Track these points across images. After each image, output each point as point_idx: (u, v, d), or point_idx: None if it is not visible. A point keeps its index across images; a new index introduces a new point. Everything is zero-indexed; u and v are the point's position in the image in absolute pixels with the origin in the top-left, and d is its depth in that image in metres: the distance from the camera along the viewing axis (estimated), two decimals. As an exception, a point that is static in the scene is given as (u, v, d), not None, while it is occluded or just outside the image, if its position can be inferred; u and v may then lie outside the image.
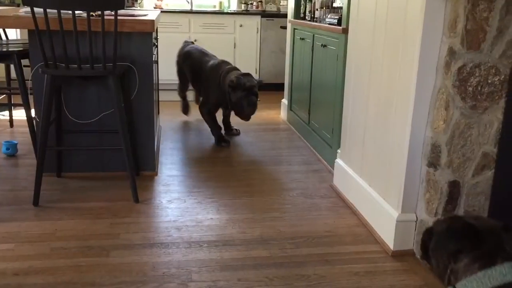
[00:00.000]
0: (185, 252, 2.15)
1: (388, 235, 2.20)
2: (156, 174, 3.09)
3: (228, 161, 3.44)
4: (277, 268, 2.03)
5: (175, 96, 4.72)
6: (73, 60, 2.48)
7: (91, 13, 2.58)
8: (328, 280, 1.94)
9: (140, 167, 3.04)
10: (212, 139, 3.94)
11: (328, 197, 2.81)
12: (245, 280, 1.93)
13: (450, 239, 1.08)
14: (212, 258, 2.10)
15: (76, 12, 2.40)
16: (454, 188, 1.98)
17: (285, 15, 4.99)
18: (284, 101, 4.72)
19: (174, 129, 4.26)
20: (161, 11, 5.12)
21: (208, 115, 3.89)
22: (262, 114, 4.85)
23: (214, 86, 3.79)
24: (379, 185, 2.36)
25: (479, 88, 1.88)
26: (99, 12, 2.37)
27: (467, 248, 1.03)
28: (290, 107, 4.51)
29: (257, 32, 5.87)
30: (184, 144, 3.82)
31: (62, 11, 2.35)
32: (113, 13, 2.44)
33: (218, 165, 3.34)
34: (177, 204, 2.67)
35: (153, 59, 2.98)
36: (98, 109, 2.92)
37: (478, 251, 1.02)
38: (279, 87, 5.13)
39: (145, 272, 1.97)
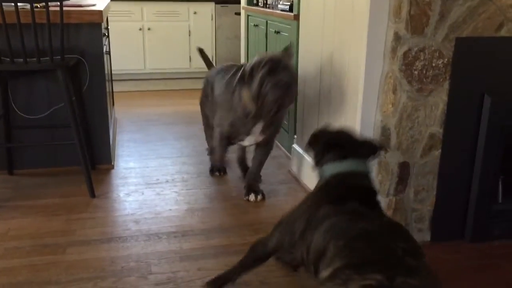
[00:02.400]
0: (144, 244, 2.14)
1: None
2: (113, 167, 3.05)
3: (187, 151, 3.43)
4: (238, 256, 2.03)
5: (130, 87, 4.64)
6: (18, 54, 2.40)
7: (35, 4, 2.49)
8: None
9: (95, 161, 2.99)
10: (173, 130, 3.91)
11: (286, 183, 2.85)
12: (205, 270, 1.95)
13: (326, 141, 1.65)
14: (172, 249, 2.11)
15: (20, 4, 2.31)
16: (404, 169, 2.05)
17: (239, 1, 4.97)
18: (241, 88, 4.72)
19: (131, 120, 4.20)
20: (112, 0, 5.00)
21: (220, 135, 2.61)
22: (219, 102, 4.83)
23: (226, 96, 2.54)
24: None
25: (424, 72, 1.94)
26: (44, 4, 2.30)
27: (333, 148, 1.60)
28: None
29: (212, 19, 5.82)
30: (142, 135, 3.77)
31: (4, 3, 2.26)
32: (59, 4, 2.37)
33: (176, 156, 3.32)
34: (135, 197, 2.64)
35: (104, 50, 2.92)
36: (48, 103, 2.84)
37: (340, 150, 1.58)
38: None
39: (103, 267, 1.95)
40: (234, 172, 3.03)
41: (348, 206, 1.42)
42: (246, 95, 2.32)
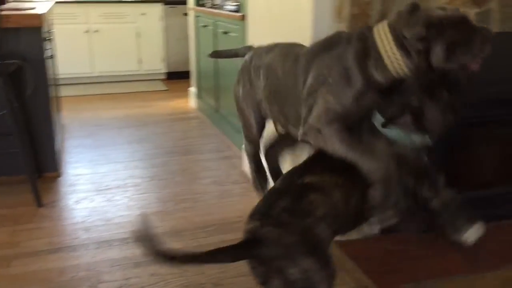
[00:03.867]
0: (95, 253, 2.09)
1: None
2: (60, 175, 2.96)
3: (139, 155, 3.37)
4: (190, 259, 2.04)
5: (78, 91, 4.52)
6: (-47, 61, 2.29)
7: (-30, 8, 2.38)
8: (240, 265, 1.98)
9: (41, 169, 2.89)
10: (124, 134, 3.83)
11: (240, 183, 2.86)
12: (158, 275, 1.93)
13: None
14: (124, 256, 2.07)
15: (-48, 8, 2.21)
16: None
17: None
18: (193, 89, 4.69)
19: (80, 125, 4.09)
20: (56, 2, 4.85)
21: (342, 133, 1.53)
22: (170, 104, 4.79)
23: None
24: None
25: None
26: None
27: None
28: (199, 95, 4.49)
29: (161, 20, 5.75)
30: (92, 140, 3.68)
31: None
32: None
33: (127, 160, 3.26)
34: (85, 204, 2.58)
35: (47, 54, 2.83)
36: (-11, 111, 2.73)
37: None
38: (188, 75, 5.08)
39: (51, 279, 1.89)
40: (186, 176, 3.01)
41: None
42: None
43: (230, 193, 2.72)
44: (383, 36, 1.47)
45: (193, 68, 4.59)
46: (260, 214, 1.39)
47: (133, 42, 5.67)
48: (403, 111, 1.52)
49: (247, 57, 1.98)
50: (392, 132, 1.54)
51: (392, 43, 1.45)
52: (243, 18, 2.99)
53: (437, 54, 1.41)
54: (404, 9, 1.45)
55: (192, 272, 1.93)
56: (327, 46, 1.60)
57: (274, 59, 1.80)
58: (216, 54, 2.51)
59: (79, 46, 5.46)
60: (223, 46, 3.55)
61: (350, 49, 1.51)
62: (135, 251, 2.10)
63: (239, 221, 2.37)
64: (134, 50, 5.70)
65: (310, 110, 1.56)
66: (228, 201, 2.62)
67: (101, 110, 4.53)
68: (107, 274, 1.93)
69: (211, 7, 4.01)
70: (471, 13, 2.09)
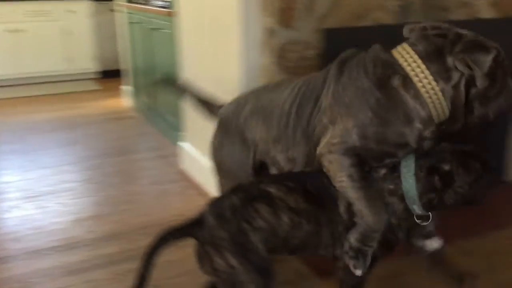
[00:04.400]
0: (26, 264, 2.00)
1: (234, 210, 2.29)
2: (-14, 184, 2.80)
3: (70, 158, 3.24)
4: (129, 263, 1.99)
5: (3, 94, 4.26)
6: None
7: None
8: (177, 265, 1.97)
9: (-35, 179, 2.72)
10: (54, 137, 3.67)
11: (178, 182, 2.82)
12: (93, 281, 1.87)
13: None
14: (57, 264, 1.99)
15: None
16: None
17: (116, -2, 4.80)
18: (127, 87, 4.57)
19: (6, 130, 3.87)
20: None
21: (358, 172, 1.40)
22: (104, 103, 4.64)
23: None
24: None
25: (297, 63, 2.02)
26: None
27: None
28: (134, 93, 4.39)
29: (90, 17, 5.55)
30: (20, 145, 3.50)
31: None
32: None
33: (59, 165, 3.13)
34: (14, 213, 2.45)
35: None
36: None
37: None
38: (119, 73, 4.94)
39: (-22, 295, 1.79)
40: (122, 178, 2.93)
41: None
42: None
43: (168, 193, 2.68)
44: (410, 61, 1.34)
45: (127, 66, 4.48)
46: (214, 201, 1.48)
47: (60, 40, 5.43)
48: (433, 170, 1.36)
49: (227, 110, 1.77)
50: (408, 184, 1.38)
51: (427, 72, 1.32)
52: (174, 14, 2.94)
53: (483, 82, 1.30)
54: (431, 32, 1.36)
55: (129, 276, 1.88)
56: (342, 70, 1.46)
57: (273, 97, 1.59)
58: (168, 83, 2.27)
59: (3, 47, 5.17)
60: (156, 42, 3.49)
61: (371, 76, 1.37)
62: (69, 258, 2.03)
63: (177, 220, 2.33)
64: (62, 49, 5.47)
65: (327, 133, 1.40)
66: (166, 201, 2.58)
67: (30, 113, 4.32)
68: (39, 284, 1.85)
69: (140, 3, 3.91)
70: (394, 5, 2.17)
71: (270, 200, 1.43)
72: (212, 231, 1.41)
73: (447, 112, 1.34)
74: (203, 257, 1.43)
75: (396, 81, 1.34)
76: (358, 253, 1.40)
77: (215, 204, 1.46)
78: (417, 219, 1.42)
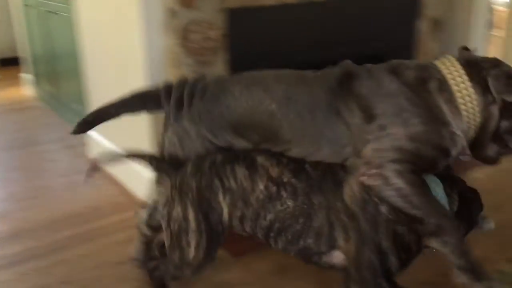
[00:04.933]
0: None
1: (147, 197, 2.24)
2: None
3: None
4: (35, 261, 1.88)
5: None
6: None
7: None
8: (90, 258, 1.89)
9: None
10: None
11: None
12: (-3, 283, 1.75)
13: None
14: (-46, 270, 1.84)
15: None
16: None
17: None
18: (27, 75, 4.27)
19: None
20: None
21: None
22: (1, 93, 4.31)
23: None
24: (130, 148, 2.35)
25: (202, 44, 1.99)
26: None
27: None
28: (35, 81, 4.11)
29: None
30: None
31: None
32: None
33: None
34: None
35: None
36: None
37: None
38: (17, 61, 4.59)
39: None
40: (26, 172, 2.75)
41: None
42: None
43: (76, 184, 2.55)
44: (448, 65, 1.31)
45: (25, 53, 4.17)
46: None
47: None
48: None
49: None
50: (437, 190, 1.33)
51: (465, 77, 1.28)
52: (70, -5, 2.77)
53: None
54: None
55: (33, 275, 1.79)
56: (353, 84, 1.36)
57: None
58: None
59: None
60: (54, 27, 3.28)
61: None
62: (-32, 262, 1.88)
63: (88, 212, 2.25)
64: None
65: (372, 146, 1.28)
66: (76, 193, 2.46)
67: None
68: None
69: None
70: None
71: (251, 164, 1.37)
72: (184, 177, 1.38)
73: (477, 125, 1.29)
74: (167, 200, 1.40)
75: (432, 85, 1.29)
76: (474, 272, 1.24)
77: (200, 156, 1.43)
78: None
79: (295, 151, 1.38)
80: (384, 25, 2.57)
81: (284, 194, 1.31)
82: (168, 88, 1.55)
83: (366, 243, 1.26)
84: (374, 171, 1.25)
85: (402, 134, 1.25)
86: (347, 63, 1.41)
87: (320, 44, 2.29)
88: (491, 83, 1.26)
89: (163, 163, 1.48)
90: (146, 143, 2.17)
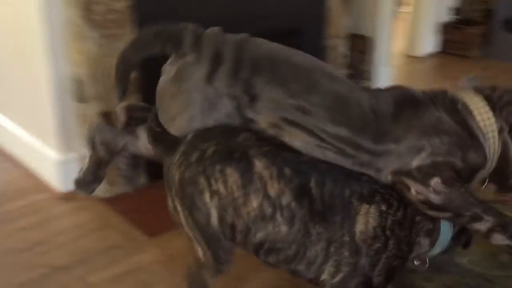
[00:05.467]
0: None
1: (53, 179, 2.13)
2: None
3: None
4: None
5: None
6: None
7: None
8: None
9: None
10: None
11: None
12: None
13: None
14: None
15: None
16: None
17: None
18: None
19: None
20: None
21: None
22: None
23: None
24: (35, 130, 2.22)
25: (106, 16, 1.89)
26: None
27: None
28: None
29: None
30: None
31: None
32: None
33: None
34: None
35: None
36: None
37: None
38: None
39: None
40: None
41: None
42: None
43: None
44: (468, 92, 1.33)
45: None
46: (200, 132, 1.22)
47: None
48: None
49: None
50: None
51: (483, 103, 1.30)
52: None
53: None
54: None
55: None
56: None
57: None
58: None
59: None
60: None
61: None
62: None
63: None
64: None
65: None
66: (-26, 178, 2.28)
67: None
68: None
69: None
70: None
71: (247, 170, 1.14)
72: (169, 166, 1.20)
73: (496, 156, 1.31)
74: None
75: (460, 106, 1.31)
76: None
77: (197, 139, 1.19)
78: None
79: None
80: (295, 1, 2.59)
81: (279, 218, 1.14)
82: (197, 33, 1.27)
83: (356, 277, 1.19)
84: (421, 186, 1.24)
85: (442, 150, 1.26)
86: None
87: (231, 19, 2.25)
88: (506, 110, 1.30)
89: (163, 136, 1.26)
90: (50, 123, 2.05)
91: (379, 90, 1.35)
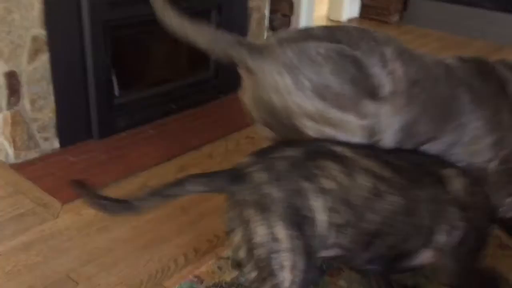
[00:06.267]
0: None
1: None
2: None
3: None
4: None
5: None
6: None
7: None
8: None
9: None
10: None
11: None
12: None
13: None
14: None
15: None
16: (12, 79, 1.88)
17: None
18: None
19: None
20: None
21: None
22: None
23: None
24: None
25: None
26: None
27: None
28: None
29: None
30: None
31: None
32: None
33: None
34: None
35: None
36: None
37: None
38: None
39: None
40: None
41: None
42: None
43: None
44: None
45: None
46: (261, 152, 1.12)
47: None
48: None
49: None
50: None
51: None
52: None
53: None
54: None
55: None
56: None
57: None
58: None
59: None
60: None
61: None
62: None
63: None
64: None
65: None
66: None
67: None
68: None
69: None
70: None
71: (339, 158, 1.10)
72: (259, 189, 1.04)
73: None
74: (236, 226, 1.06)
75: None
76: None
77: (263, 155, 1.10)
78: None
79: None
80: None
81: (385, 188, 1.13)
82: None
83: (475, 231, 1.21)
84: None
85: None
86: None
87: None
88: None
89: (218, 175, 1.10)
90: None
91: None
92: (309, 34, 1.23)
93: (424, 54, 1.32)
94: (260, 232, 1.03)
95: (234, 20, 2.61)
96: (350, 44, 1.19)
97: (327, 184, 1.06)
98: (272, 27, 3.12)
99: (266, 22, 2.91)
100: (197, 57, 2.57)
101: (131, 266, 1.52)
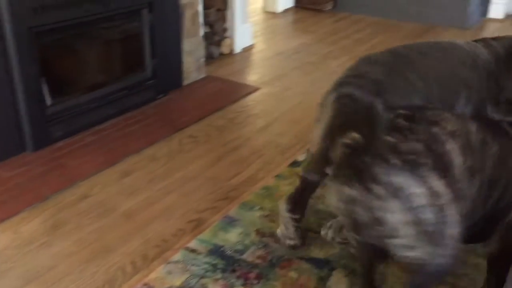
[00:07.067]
0: None
1: None
2: None
3: None
4: None
5: None
6: None
7: None
8: None
9: None
10: None
11: None
12: None
13: None
14: None
15: None
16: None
17: None
18: None
19: None
20: None
21: None
22: None
23: None
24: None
25: None
26: None
27: None
28: None
29: None
30: None
31: None
32: None
33: None
34: None
35: None
36: None
37: None
38: None
39: None
40: None
41: None
42: None
43: None
44: None
45: None
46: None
47: None
48: None
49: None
50: None
51: None
52: None
53: None
54: None
55: None
56: None
57: None
58: None
59: None
60: None
61: None
62: None
63: None
64: None
65: None
66: None
67: None
68: None
69: None
70: None
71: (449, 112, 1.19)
72: (397, 146, 1.01)
73: None
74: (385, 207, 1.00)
75: None
76: None
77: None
78: None
79: None
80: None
81: (488, 138, 1.17)
82: None
83: None
84: None
85: None
86: None
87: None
88: None
89: None
90: None
91: None
92: None
93: None
94: (419, 193, 0.99)
95: (167, 19, 2.56)
96: None
97: (451, 126, 1.09)
98: (208, 22, 3.08)
99: (201, 18, 2.88)
100: (132, 58, 2.54)
101: (76, 281, 1.47)
